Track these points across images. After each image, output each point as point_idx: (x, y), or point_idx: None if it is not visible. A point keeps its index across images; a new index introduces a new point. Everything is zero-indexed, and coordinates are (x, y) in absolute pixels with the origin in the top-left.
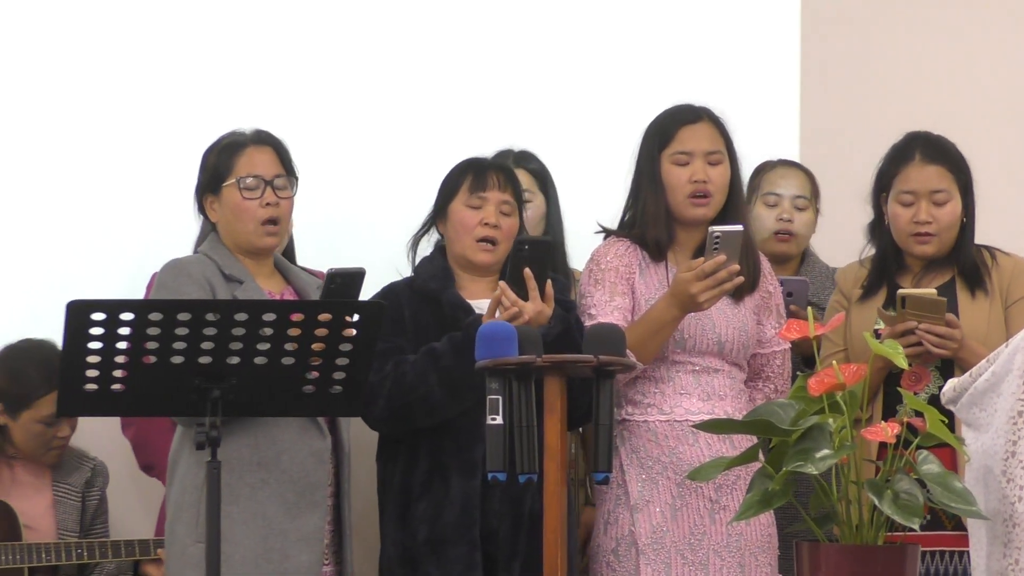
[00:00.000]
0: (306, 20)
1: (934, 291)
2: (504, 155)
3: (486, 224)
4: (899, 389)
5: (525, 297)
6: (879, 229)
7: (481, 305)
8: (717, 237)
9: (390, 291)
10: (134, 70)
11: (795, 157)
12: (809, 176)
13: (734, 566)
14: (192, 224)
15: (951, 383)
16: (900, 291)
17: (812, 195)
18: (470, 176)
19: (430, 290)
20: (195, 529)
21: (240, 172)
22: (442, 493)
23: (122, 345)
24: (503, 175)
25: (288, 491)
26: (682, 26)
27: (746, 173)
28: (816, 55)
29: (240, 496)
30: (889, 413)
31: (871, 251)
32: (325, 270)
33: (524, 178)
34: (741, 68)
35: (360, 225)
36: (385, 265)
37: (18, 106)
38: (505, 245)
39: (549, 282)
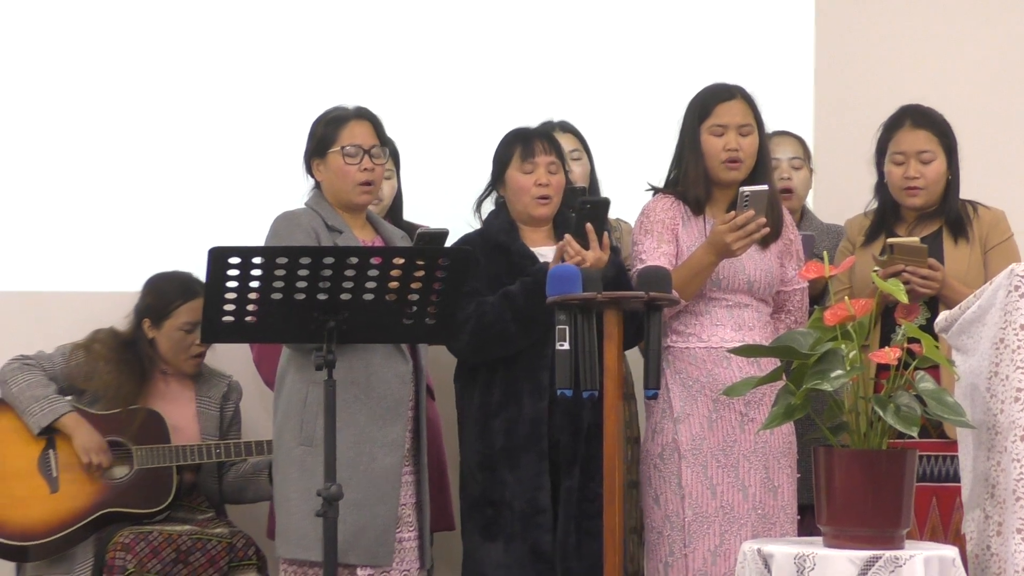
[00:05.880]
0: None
1: (917, 239)
2: (548, 125)
3: (539, 184)
4: (898, 319)
5: (587, 247)
6: (880, 186)
7: (542, 252)
8: (747, 196)
9: (466, 242)
10: (245, 44)
11: (810, 127)
12: (800, 141)
13: (759, 468)
14: (300, 184)
15: (943, 315)
16: (889, 239)
17: (805, 156)
18: (519, 146)
19: (501, 242)
20: (299, 434)
21: (343, 141)
22: (516, 411)
23: (254, 284)
24: (547, 140)
25: (376, 405)
26: (706, 8)
27: None
28: (829, 36)
29: (337, 408)
30: (885, 340)
31: (875, 205)
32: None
33: (571, 141)
34: (759, 46)
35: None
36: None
37: (167, 66)
38: (556, 199)
39: (606, 233)
